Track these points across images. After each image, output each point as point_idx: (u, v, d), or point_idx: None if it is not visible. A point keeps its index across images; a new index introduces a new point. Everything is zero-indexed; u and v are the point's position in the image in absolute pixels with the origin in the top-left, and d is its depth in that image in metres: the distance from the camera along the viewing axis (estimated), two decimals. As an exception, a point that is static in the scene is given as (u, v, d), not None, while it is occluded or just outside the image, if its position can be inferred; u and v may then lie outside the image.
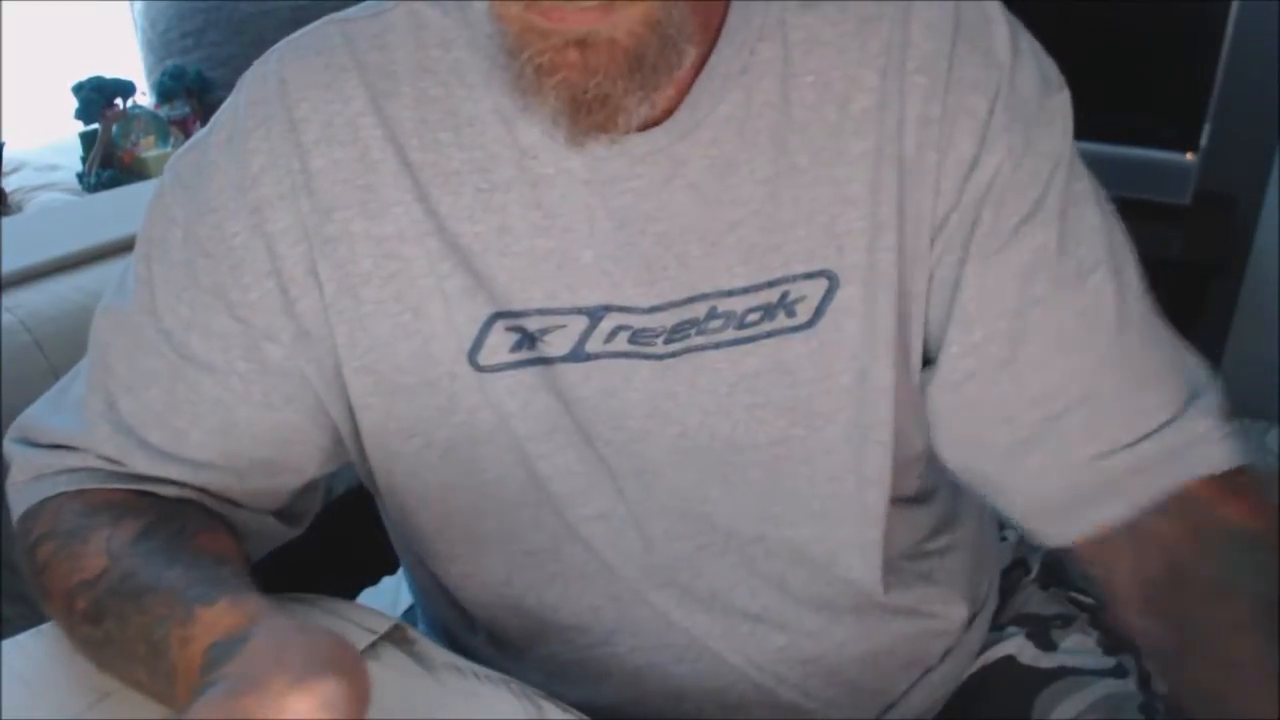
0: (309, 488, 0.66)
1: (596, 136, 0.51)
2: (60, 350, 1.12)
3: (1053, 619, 0.69)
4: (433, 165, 0.57)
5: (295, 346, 0.58)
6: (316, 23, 0.60)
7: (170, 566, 0.53)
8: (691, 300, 0.58)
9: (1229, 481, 0.55)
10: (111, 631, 0.52)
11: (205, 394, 0.59)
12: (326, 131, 0.57)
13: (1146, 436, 0.55)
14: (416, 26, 0.58)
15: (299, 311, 0.58)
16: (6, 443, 0.63)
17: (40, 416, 0.63)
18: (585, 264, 0.57)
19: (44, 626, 0.59)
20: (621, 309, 0.58)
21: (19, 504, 0.61)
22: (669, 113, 0.56)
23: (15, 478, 0.62)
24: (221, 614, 0.48)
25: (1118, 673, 0.65)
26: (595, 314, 0.58)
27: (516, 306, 0.58)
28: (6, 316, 1.12)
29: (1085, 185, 0.59)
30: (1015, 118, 0.57)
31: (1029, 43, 0.59)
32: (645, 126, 0.55)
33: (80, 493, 0.59)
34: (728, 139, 0.56)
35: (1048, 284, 0.56)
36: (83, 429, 0.60)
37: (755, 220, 0.57)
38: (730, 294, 0.58)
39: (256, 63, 0.60)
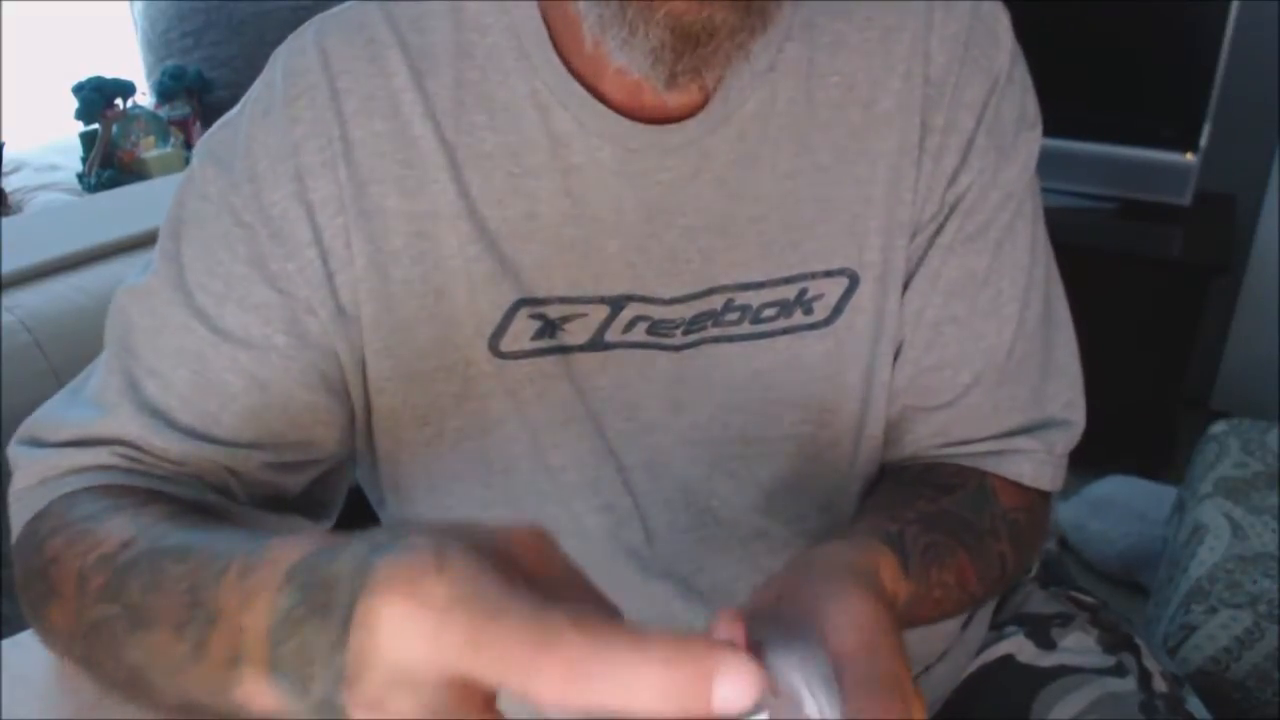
0: (332, 474, 0.64)
1: (691, 78, 0.50)
2: (60, 350, 1.13)
3: (1052, 618, 0.69)
4: (466, 146, 0.56)
5: (332, 323, 0.57)
6: (352, 2, 0.59)
7: (216, 531, 0.46)
8: (710, 292, 0.58)
9: (1020, 487, 0.62)
10: (133, 598, 0.44)
11: (241, 370, 0.56)
12: (368, 104, 0.56)
13: (982, 440, 0.62)
14: (454, 10, 0.57)
15: (337, 285, 0.57)
16: (11, 447, 0.59)
17: (52, 413, 0.59)
18: (610, 253, 0.57)
19: (44, 626, 0.58)
20: (643, 299, 0.58)
21: (24, 511, 0.55)
22: (700, 107, 0.56)
23: (19, 484, 0.57)
24: (303, 542, 0.37)
25: (1117, 671, 0.65)
26: (617, 303, 0.58)
27: (540, 294, 0.58)
28: (6, 316, 1.13)
29: (1025, 222, 0.62)
30: (992, 143, 0.59)
31: (1022, 72, 0.61)
32: (679, 118, 0.56)
33: (93, 488, 0.55)
34: (753, 134, 0.57)
35: (966, 307, 0.61)
36: (102, 415, 0.56)
37: (776, 216, 0.58)
38: (747, 288, 0.59)
39: (290, 38, 0.59)
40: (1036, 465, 0.62)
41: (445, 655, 0.28)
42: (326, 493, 0.65)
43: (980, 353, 0.61)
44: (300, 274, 0.56)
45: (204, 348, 0.56)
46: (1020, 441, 0.62)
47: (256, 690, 0.35)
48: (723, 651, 0.26)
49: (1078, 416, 0.65)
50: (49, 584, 0.50)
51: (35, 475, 0.56)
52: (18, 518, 0.56)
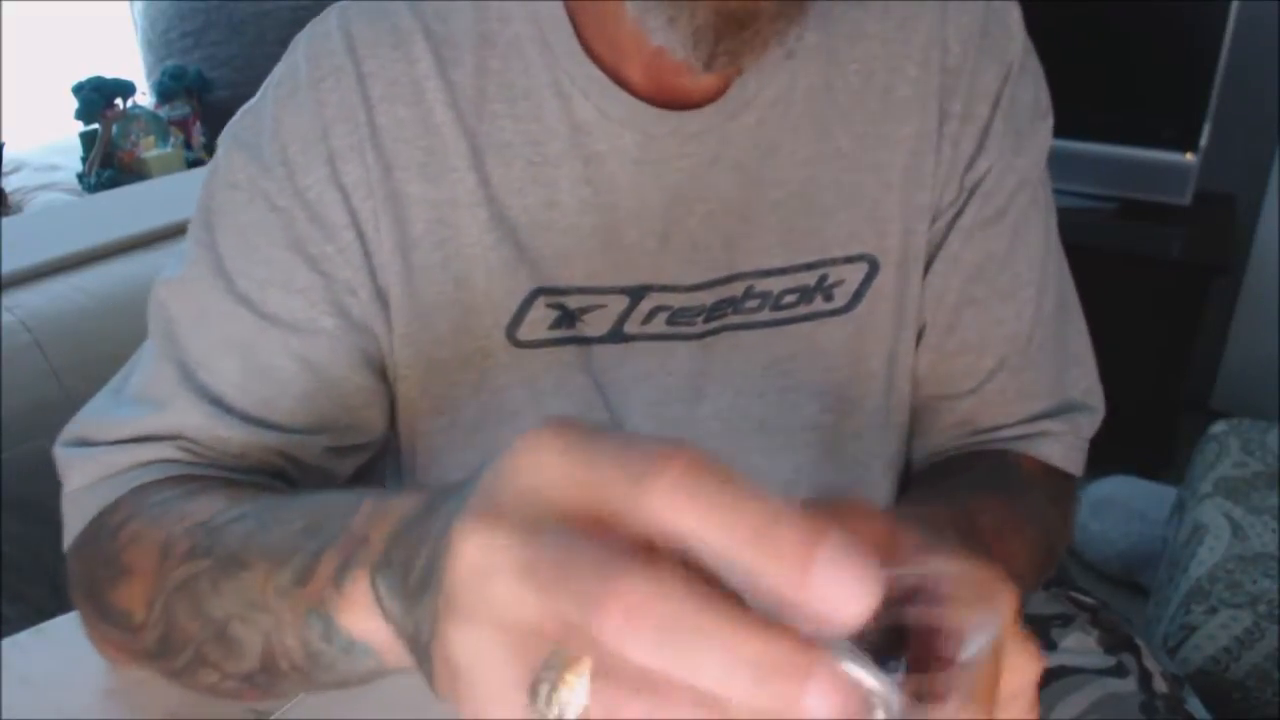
0: (375, 459, 0.64)
1: (730, 61, 0.50)
2: (60, 350, 1.12)
3: (1052, 618, 0.69)
4: (486, 135, 0.56)
5: (372, 304, 0.57)
6: None
7: (310, 496, 0.46)
8: (730, 279, 0.59)
9: (1045, 468, 0.63)
10: (229, 546, 0.44)
11: (292, 354, 0.56)
12: (392, 89, 0.56)
13: (1008, 426, 0.63)
14: (477, 2, 0.57)
15: (375, 266, 0.56)
16: (57, 449, 0.57)
17: (98, 414, 0.57)
18: (630, 243, 0.57)
19: (44, 626, 0.58)
20: (663, 288, 0.58)
21: (85, 509, 0.54)
22: (719, 94, 0.56)
23: (74, 484, 0.55)
24: (408, 494, 0.37)
25: (1118, 672, 0.65)
26: (636, 294, 0.58)
27: (559, 284, 0.58)
28: (6, 316, 1.12)
29: (1039, 211, 0.63)
30: (1009, 129, 0.60)
31: (1034, 62, 0.62)
32: (697, 103, 0.56)
33: (162, 480, 0.54)
34: (772, 121, 0.58)
35: (985, 289, 0.61)
36: (157, 410, 0.55)
37: (795, 201, 0.58)
38: (768, 274, 0.59)
39: (311, 24, 0.58)
40: (1065, 447, 0.63)
41: (581, 461, 0.26)
42: (373, 476, 0.65)
43: (1001, 337, 0.62)
44: (340, 255, 0.56)
45: (252, 334, 0.56)
46: (1047, 424, 0.63)
47: (355, 593, 0.36)
48: (820, 655, 0.23)
49: (1098, 402, 0.66)
50: (119, 567, 0.49)
51: (93, 474, 0.55)
52: (74, 518, 0.55)
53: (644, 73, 0.56)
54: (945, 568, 0.32)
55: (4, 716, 0.52)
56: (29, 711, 0.53)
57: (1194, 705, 0.65)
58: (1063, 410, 0.64)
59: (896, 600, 0.31)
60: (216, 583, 0.44)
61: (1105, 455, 0.66)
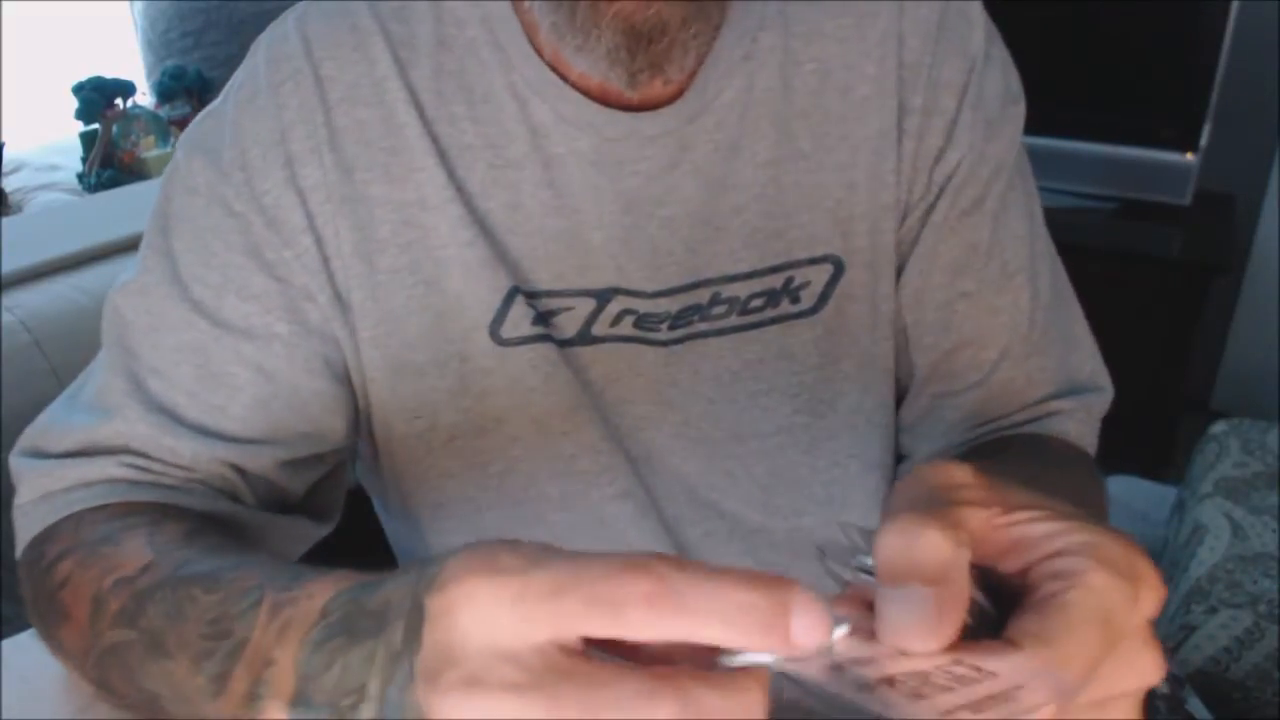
0: (333, 475, 0.64)
1: (652, 74, 0.51)
2: (60, 350, 1.12)
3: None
4: (448, 137, 0.56)
5: (331, 308, 0.57)
6: None
7: (243, 554, 0.45)
8: (695, 286, 0.58)
9: (1070, 446, 0.62)
10: (152, 624, 0.44)
11: (245, 361, 0.55)
12: (351, 91, 0.56)
13: (1015, 412, 0.62)
14: (434, 6, 0.57)
15: (333, 270, 0.56)
16: (12, 458, 0.57)
17: (52, 421, 0.57)
18: (594, 246, 0.57)
19: (44, 626, 0.58)
20: (628, 292, 0.58)
21: (28, 528, 0.54)
22: (678, 96, 0.56)
23: (23, 498, 0.55)
24: (339, 578, 0.37)
25: (1117, 672, 0.65)
26: (603, 296, 0.58)
27: (530, 285, 0.57)
28: (6, 316, 1.12)
29: (1019, 195, 0.62)
30: (978, 119, 0.60)
31: (1000, 50, 0.62)
32: (656, 105, 0.56)
33: (102, 507, 0.53)
34: (731, 123, 0.57)
35: (974, 281, 0.61)
36: (106, 419, 0.55)
37: (758, 205, 0.58)
38: (733, 279, 0.58)
39: (271, 26, 0.58)
40: (1078, 423, 0.62)
41: (534, 613, 0.27)
42: (328, 495, 0.64)
43: (1001, 327, 0.61)
44: (297, 260, 0.56)
45: (206, 341, 0.55)
46: (1056, 404, 0.62)
47: None
48: (796, 586, 0.27)
49: (1106, 383, 0.65)
50: (60, 607, 0.49)
51: (40, 489, 0.55)
52: (23, 530, 0.55)
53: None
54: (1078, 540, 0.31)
55: (4, 716, 0.52)
56: (29, 711, 0.53)
57: (1194, 705, 0.65)
58: (1070, 392, 0.63)
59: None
60: (144, 661, 0.44)
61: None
